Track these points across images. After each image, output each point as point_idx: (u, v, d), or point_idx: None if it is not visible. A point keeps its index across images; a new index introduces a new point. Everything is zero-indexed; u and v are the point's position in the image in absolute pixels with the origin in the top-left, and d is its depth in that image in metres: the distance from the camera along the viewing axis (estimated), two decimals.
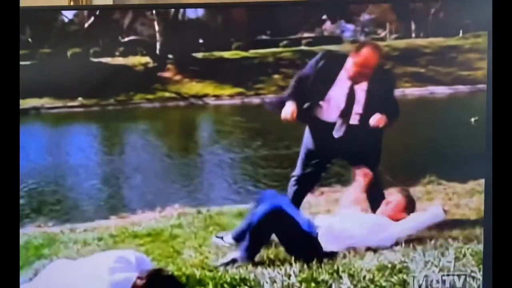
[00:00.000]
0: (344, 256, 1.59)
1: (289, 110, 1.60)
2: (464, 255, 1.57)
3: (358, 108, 1.60)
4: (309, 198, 1.69)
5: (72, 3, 1.88)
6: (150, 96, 1.66)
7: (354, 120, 1.61)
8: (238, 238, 1.64)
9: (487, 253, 1.53)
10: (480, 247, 1.58)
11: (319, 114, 1.63)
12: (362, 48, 1.57)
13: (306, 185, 1.68)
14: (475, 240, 1.59)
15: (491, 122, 1.30)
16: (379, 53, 1.57)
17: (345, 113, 1.61)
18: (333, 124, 1.63)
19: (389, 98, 1.59)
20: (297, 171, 1.67)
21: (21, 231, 1.64)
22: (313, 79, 1.59)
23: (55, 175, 1.68)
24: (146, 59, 1.64)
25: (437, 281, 1.57)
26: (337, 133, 1.60)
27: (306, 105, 1.61)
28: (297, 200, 1.67)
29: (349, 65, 1.59)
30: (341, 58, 1.60)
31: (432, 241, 1.60)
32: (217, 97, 1.67)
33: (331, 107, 1.62)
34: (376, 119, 1.57)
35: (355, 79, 1.60)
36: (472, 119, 1.58)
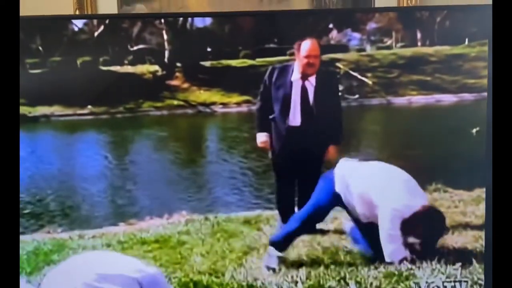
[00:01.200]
0: (350, 264, 1.60)
1: (260, 141, 1.66)
2: (471, 263, 1.58)
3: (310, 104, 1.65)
4: None
5: (77, 12, 1.91)
6: (158, 104, 1.68)
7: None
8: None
9: (487, 262, 1.54)
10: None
11: (287, 122, 1.66)
12: (302, 42, 1.60)
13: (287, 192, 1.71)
14: (481, 248, 1.59)
15: (491, 131, 1.30)
16: (318, 43, 1.60)
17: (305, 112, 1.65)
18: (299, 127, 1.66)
19: (335, 100, 1.63)
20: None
21: (31, 237, 1.67)
22: (272, 91, 1.64)
23: (65, 182, 1.70)
24: (155, 67, 1.66)
25: None
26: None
27: (271, 116, 1.66)
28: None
29: (296, 64, 1.63)
30: (288, 66, 1.64)
31: (439, 249, 1.61)
32: (224, 105, 1.69)
33: (294, 111, 1.66)
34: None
35: (304, 74, 1.63)
36: (474, 130, 1.59)
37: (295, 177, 1.69)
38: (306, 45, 1.59)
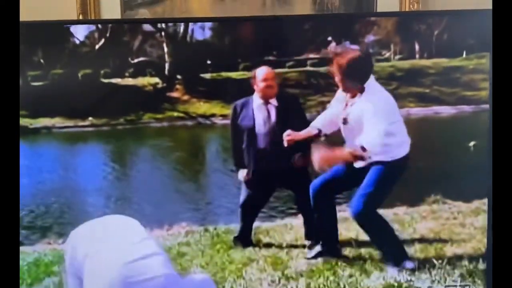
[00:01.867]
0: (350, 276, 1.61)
1: (241, 176, 1.69)
2: (470, 274, 1.58)
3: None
4: None
5: (81, 17, 1.92)
6: (159, 116, 1.69)
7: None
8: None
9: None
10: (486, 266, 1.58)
11: (257, 146, 1.70)
12: (257, 70, 1.64)
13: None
14: (480, 259, 1.60)
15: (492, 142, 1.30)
16: (272, 70, 1.64)
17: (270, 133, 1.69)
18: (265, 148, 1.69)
19: (300, 118, 1.67)
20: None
21: (32, 248, 1.68)
22: (239, 125, 1.69)
23: (66, 193, 1.71)
24: (155, 79, 1.68)
25: None
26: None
27: (244, 144, 1.69)
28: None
29: (256, 93, 1.66)
30: (249, 99, 1.68)
31: (439, 260, 1.61)
32: (224, 116, 1.70)
33: (260, 136, 1.69)
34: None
35: (265, 98, 1.67)
36: (471, 144, 1.60)
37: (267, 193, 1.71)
38: (262, 71, 1.64)
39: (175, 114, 1.69)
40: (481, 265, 1.60)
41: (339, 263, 1.65)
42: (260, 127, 1.68)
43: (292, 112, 1.68)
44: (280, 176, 1.69)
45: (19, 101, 1.34)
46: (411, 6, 1.90)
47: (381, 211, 1.65)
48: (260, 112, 1.68)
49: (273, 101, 1.68)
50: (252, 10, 1.93)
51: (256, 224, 1.70)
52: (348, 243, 1.68)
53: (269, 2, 1.94)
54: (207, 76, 1.67)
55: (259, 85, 1.65)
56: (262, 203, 1.70)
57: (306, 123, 1.66)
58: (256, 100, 1.67)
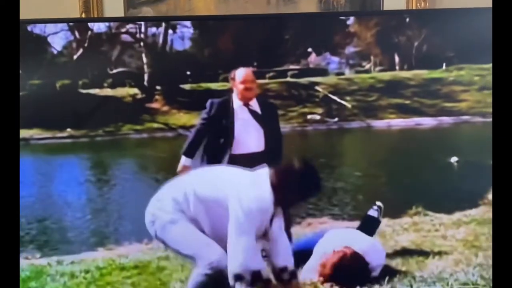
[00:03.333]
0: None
1: (183, 164, 1.66)
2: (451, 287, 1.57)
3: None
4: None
5: (84, 15, 1.89)
6: (138, 127, 1.67)
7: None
8: None
9: None
10: (468, 277, 1.57)
11: (239, 150, 1.66)
12: (236, 71, 1.62)
13: None
14: (462, 272, 1.59)
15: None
16: (251, 71, 1.62)
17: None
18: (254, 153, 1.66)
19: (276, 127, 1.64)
20: None
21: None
22: (213, 123, 1.64)
23: (43, 206, 1.68)
24: (134, 90, 1.66)
25: None
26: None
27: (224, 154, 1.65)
28: None
29: (234, 94, 1.64)
30: (227, 99, 1.65)
31: (419, 273, 1.60)
32: None
33: (245, 139, 1.66)
34: None
35: (245, 100, 1.64)
36: (453, 160, 1.60)
37: None
38: (241, 72, 1.62)
39: (155, 125, 1.67)
40: (463, 277, 1.59)
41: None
42: (239, 131, 1.66)
43: (268, 119, 1.66)
44: None
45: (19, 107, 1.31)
46: (418, 4, 1.87)
47: None
48: (240, 114, 1.65)
49: (253, 104, 1.65)
50: (257, 9, 1.90)
51: None
52: None
53: (274, 0, 1.92)
54: (187, 87, 1.65)
55: (238, 87, 1.63)
56: None
57: (279, 135, 1.64)
58: (236, 101, 1.65)
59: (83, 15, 1.89)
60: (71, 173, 1.73)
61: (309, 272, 1.59)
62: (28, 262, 1.66)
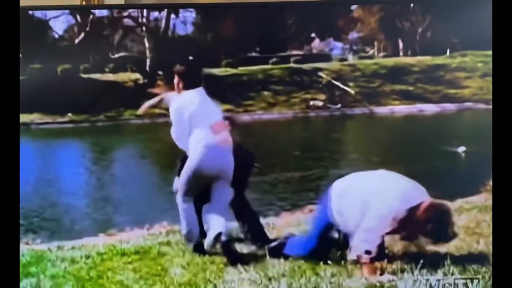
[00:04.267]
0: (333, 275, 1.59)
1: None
2: (453, 273, 1.57)
3: None
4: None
5: (84, 2, 1.86)
6: (139, 112, 1.66)
7: None
8: None
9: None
10: (469, 263, 1.57)
11: None
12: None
13: None
14: (464, 258, 1.59)
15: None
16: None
17: None
18: None
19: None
20: None
21: None
22: None
23: (44, 191, 1.67)
24: (136, 75, 1.65)
25: None
26: None
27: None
28: None
29: None
30: None
31: (421, 260, 1.60)
32: None
33: None
34: None
35: None
36: (461, 150, 1.59)
37: None
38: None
39: (157, 110, 1.66)
40: (465, 264, 1.59)
41: (321, 264, 1.63)
42: None
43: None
44: None
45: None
46: None
47: None
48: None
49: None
50: None
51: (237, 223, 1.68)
52: None
53: None
54: None
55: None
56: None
57: None
58: None
59: (84, 3, 1.88)
60: (72, 158, 1.73)
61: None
62: (28, 247, 1.65)
